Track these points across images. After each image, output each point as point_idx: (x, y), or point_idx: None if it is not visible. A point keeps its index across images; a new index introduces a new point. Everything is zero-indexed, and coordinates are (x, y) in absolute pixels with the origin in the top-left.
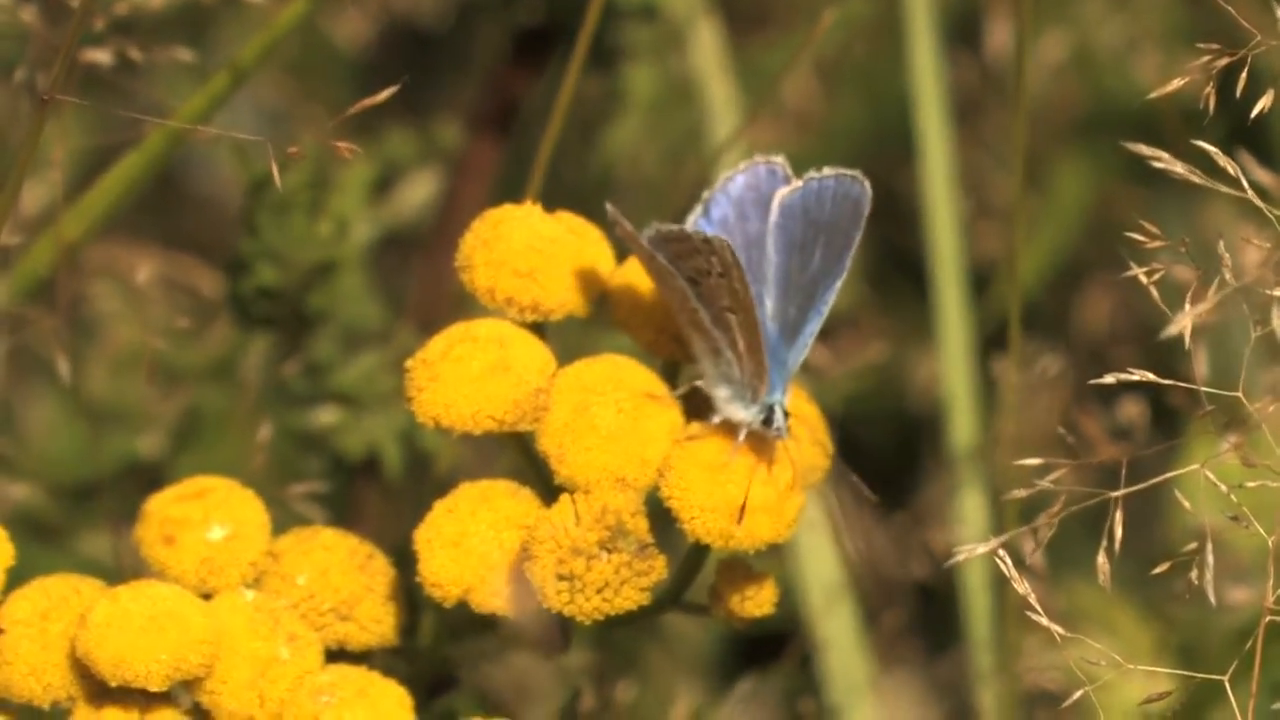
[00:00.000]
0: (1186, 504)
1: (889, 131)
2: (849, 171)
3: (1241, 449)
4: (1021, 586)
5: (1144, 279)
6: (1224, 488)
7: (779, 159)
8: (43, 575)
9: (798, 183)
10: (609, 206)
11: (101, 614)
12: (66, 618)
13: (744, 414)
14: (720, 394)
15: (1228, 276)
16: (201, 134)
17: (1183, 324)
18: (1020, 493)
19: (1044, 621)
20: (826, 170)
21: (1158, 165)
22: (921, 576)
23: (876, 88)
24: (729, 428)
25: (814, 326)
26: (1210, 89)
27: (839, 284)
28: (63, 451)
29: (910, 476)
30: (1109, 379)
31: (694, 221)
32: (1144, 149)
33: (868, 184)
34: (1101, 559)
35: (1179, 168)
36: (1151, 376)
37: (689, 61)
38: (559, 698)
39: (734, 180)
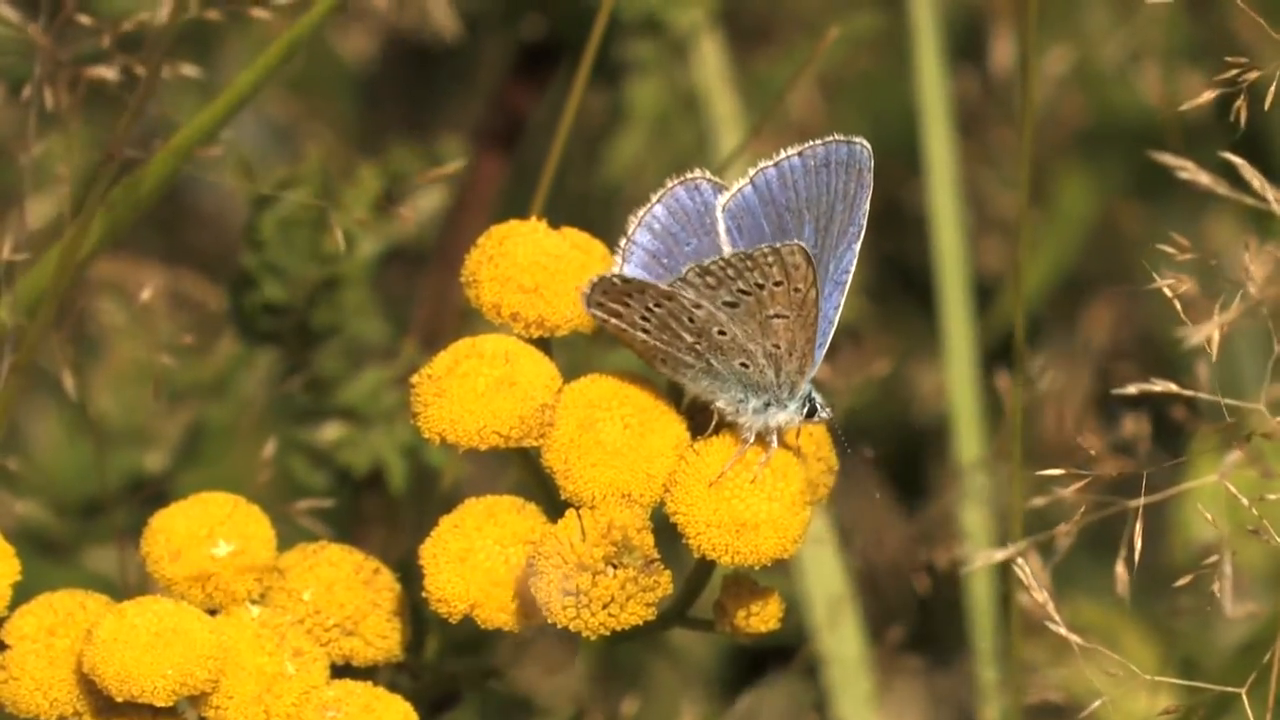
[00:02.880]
0: (1208, 515)
1: (893, 145)
2: (821, 140)
3: (1259, 462)
4: (1040, 595)
5: (1169, 291)
6: (1245, 501)
7: (697, 173)
8: (49, 591)
9: (742, 181)
10: (598, 276)
11: (107, 629)
12: (73, 633)
13: (783, 415)
14: (751, 407)
15: (1251, 289)
16: (206, 150)
17: (1207, 332)
18: (1040, 500)
19: (1062, 631)
20: (784, 153)
21: (1183, 175)
22: (926, 590)
23: (880, 102)
24: (766, 441)
25: (836, 300)
26: (1241, 102)
27: (856, 247)
28: (68, 467)
29: (915, 490)
30: (1131, 389)
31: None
32: (1170, 159)
33: (859, 140)
34: (1120, 568)
35: (1204, 178)
36: (1174, 387)
37: (693, 76)
38: (564, 713)
39: (653, 213)
